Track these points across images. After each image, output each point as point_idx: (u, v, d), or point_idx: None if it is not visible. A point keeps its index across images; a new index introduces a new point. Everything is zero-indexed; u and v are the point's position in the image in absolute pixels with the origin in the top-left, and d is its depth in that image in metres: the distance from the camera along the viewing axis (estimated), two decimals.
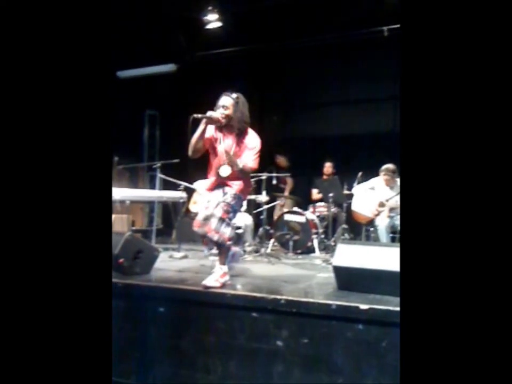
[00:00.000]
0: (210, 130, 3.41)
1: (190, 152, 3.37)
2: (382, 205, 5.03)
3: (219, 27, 7.20)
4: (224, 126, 3.37)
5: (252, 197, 5.27)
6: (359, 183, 5.38)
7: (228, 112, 3.32)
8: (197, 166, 6.19)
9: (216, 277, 3.15)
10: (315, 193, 6.42)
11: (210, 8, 6.97)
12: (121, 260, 3.42)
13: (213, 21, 7.14)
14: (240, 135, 3.38)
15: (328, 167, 6.48)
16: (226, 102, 3.36)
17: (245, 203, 5.47)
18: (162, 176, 5.34)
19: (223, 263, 3.27)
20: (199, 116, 3.24)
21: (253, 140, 3.39)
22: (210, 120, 3.28)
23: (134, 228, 6.95)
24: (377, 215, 5.04)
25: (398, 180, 5.05)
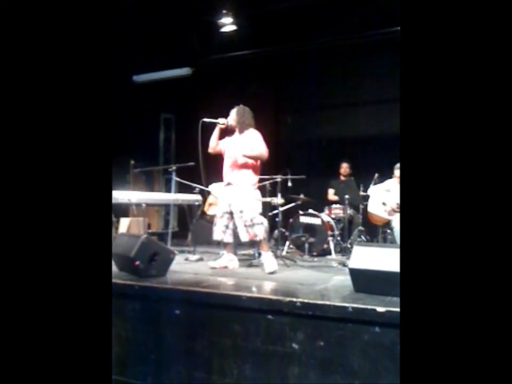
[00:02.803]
0: (224, 140, 4.37)
1: (209, 150, 4.34)
2: (399, 206, 4.99)
3: (234, 30, 7.21)
4: (231, 131, 4.34)
5: (267, 199, 5.26)
6: (375, 184, 5.33)
7: (231, 118, 4.30)
8: (211, 169, 6.20)
9: (273, 262, 4.08)
10: (331, 194, 6.38)
11: (225, 11, 7.00)
12: (137, 263, 3.43)
13: (227, 24, 7.17)
14: (242, 134, 4.27)
15: (345, 167, 6.44)
16: (233, 112, 4.34)
17: (260, 205, 5.48)
18: (178, 179, 5.36)
19: (267, 250, 4.18)
20: (207, 120, 4.25)
21: (253, 133, 4.24)
22: (219, 124, 4.30)
23: (150, 231, 6.99)
24: (393, 212, 4.99)
25: None
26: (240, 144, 4.23)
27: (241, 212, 4.11)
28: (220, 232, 4.26)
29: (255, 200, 4.27)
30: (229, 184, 4.27)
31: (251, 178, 4.23)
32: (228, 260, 4.31)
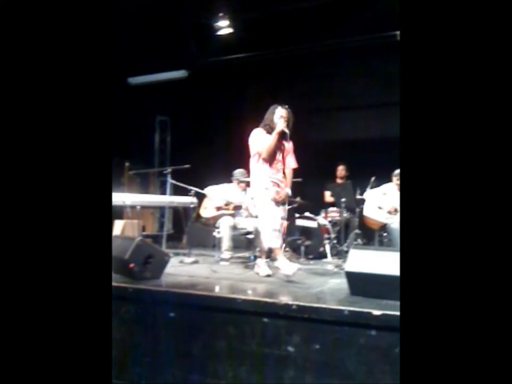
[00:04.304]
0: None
1: (268, 156, 3.91)
2: (395, 210, 4.98)
3: (230, 33, 7.21)
4: (270, 132, 3.95)
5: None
6: (372, 188, 5.33)
7: (288, 123, 3.98)
8: (207, 171, 6.16)
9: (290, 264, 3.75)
10: (328, 196, 6.37)
11: (221, 14, 6.99)
12: (131, 265, 3.41)
13: (224, 27, 7.16)
14: (286, 141, 4.02)
15: (341, 170, 6.45)
16: (285, 113, 3.99)
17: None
18: (173, 181, 5.34)
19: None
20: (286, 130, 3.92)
21: (291, 144, 4.07)
22: (282, 132, 3.91)
23: (144, 233, 6.96)
24: (393, 213, 4.98)
25: None
26: (291, 151, 4.09)
27: (282, 218, 3.99)
28: (275, 238, 3.84)
29: None
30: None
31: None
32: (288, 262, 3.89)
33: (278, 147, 3.99)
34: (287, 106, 4.06)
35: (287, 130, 3.94)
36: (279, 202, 3.94)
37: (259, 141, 3.95)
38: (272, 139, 3.89)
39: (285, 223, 4.07)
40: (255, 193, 3.99)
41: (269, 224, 3.82)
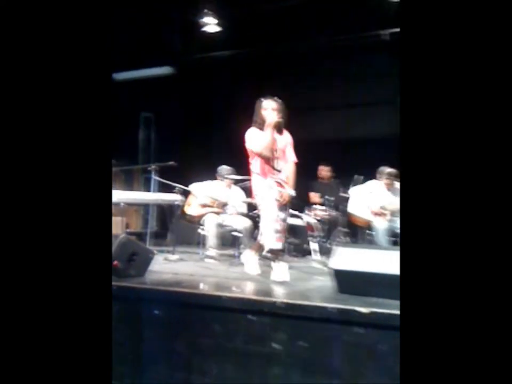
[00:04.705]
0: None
1: (269, 153, 3.75)
2: (384, 208, 4.99)
3: (216, 30, 7.19)
4: (261, 126, 3.77)
5: (250, 199, 5.23)
6: (355, 185, 5.35)
7: (277, 113, 3.74)
8: (192, 168, 6.12)
9: (285, 272, 3.57)
10: (316, 197, 6.37)
11: (206, 11, 6.96)
12: (115, 262, 3.36)
13: (209, 23, 7.14)
14: (280, 133, 3.83)
15: (321, 170, 6.44)
16: (275, 105, 3.77)
17: (245, 206, 5.44)
18: (158, 178, 5.30)
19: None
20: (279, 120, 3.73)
21: (288, 136, 3.94)
22: (277, 124, 3.73)
23: (128, 230, 6.92)
24: (378, 214, 5.00)
25: (397, 184, 5.01)
26: (290, 145, 3.93)
27: (283, 219, 3.79)
28: (277, 240, 3.60)
29: None
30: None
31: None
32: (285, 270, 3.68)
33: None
34: (276, 97, 3.82)
35: (279, 119, 3.73)
36: (282, 205, 3.75)
37: (256, 141, 3.75)
38: (268, 135, 3.69)
39: (285, 224, 3.88)
40: (258, 192, 3.80)
41: (272, 224, 3.60)
